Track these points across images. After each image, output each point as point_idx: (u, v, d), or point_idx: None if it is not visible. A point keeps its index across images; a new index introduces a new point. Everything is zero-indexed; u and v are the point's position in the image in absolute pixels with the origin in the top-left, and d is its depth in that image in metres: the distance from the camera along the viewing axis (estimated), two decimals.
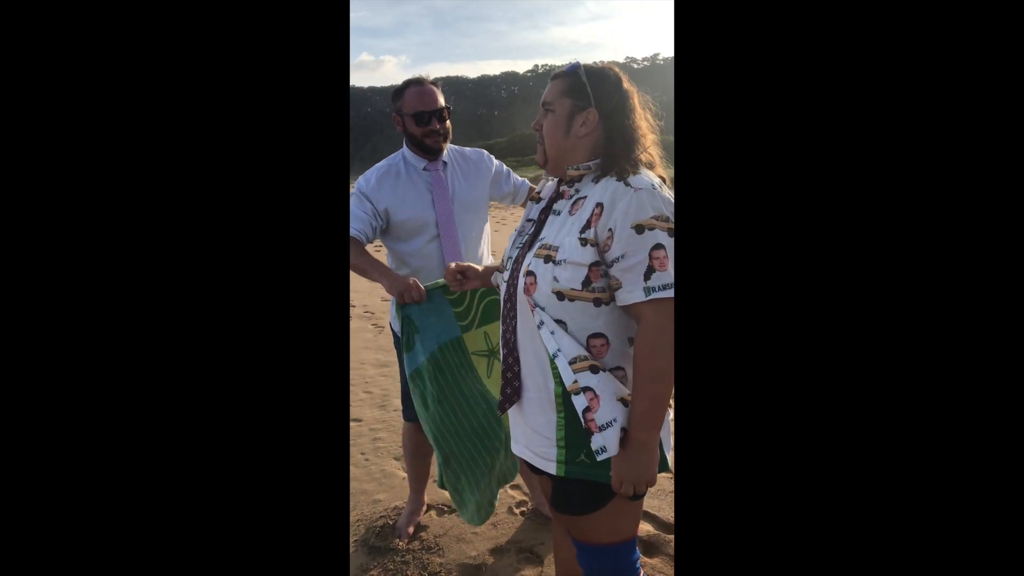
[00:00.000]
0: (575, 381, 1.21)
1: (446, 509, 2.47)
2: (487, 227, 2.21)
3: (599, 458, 1.20)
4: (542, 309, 1.25)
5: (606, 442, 1.20)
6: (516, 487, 2.61)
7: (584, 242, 1.21)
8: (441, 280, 1.88)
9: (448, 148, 2.11)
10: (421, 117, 2.00)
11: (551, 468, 1.30)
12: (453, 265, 1.57)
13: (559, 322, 1.24)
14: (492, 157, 2.26)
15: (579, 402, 1.21)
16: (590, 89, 1.29)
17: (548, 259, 1.25)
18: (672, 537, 2.19)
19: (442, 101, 2.04)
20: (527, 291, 1.26)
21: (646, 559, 2.07)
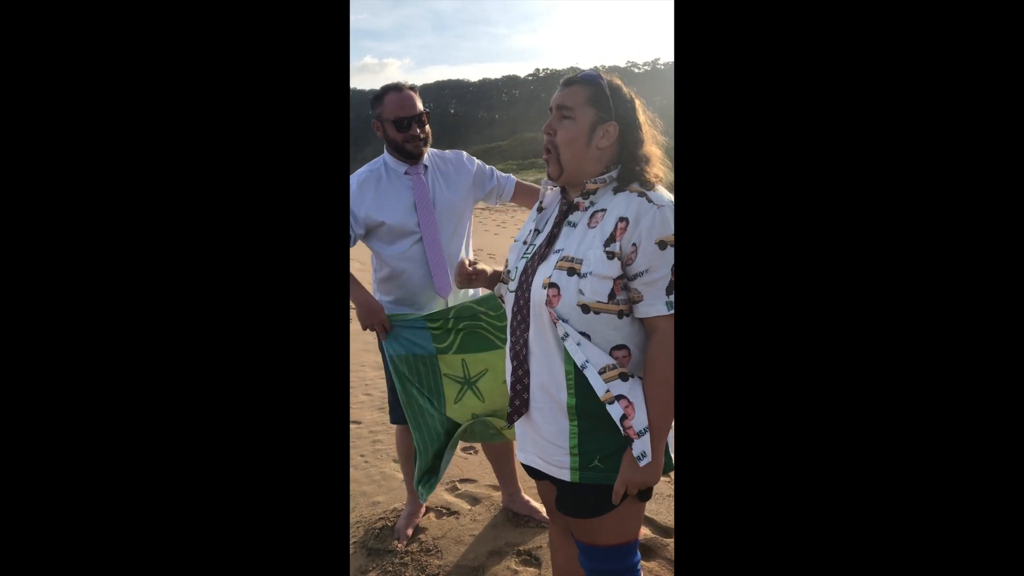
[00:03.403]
0: (607, 391, 1.23)
1: (445, 512, 2.48)
2: (469, 229, 2.22)
3: (641, 463, 1.22)
4: (565, 321, 1.25)
5: (645, 448, 1.22)
6: None
7: (611, 255, 1.22)
8: (419, 313, 2.02)
9: (428, 152, 2.13)
10: (401, 123, 2.02)
11: (565, 475, 1.31)
12: (467, 262, 1.52)
13: (583, 334, 1.25)
14: (472, 158, 2.27)
15: (615, 411, 1.22)
16: (612, 102, 1.29)
17: (572, 272, 1.25)
18: (669, 541, 2.20)
19: (421, 106, 2.06)
20: (549, 303, 1.26)
21: (644, 562, 2.07)
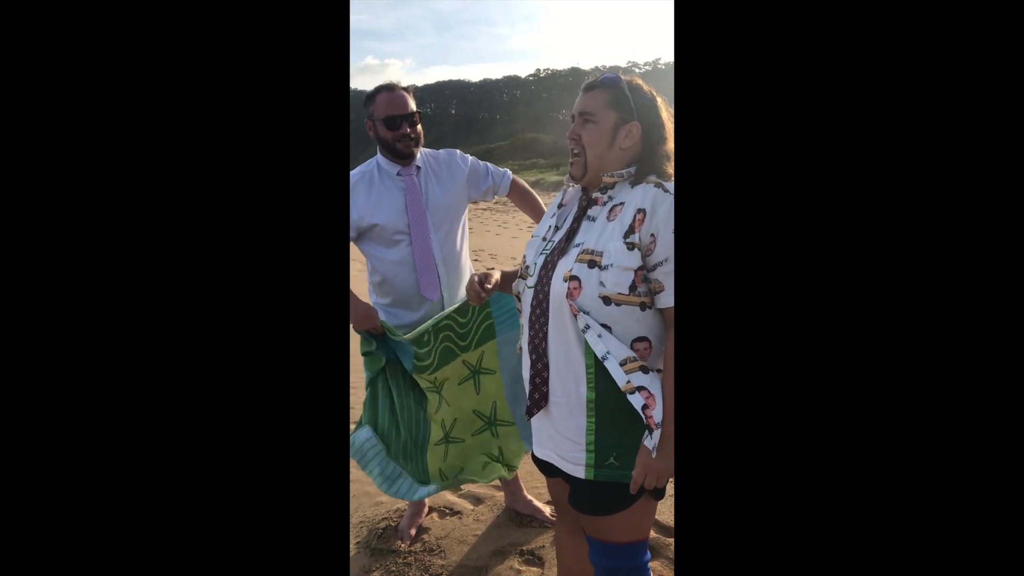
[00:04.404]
0: (628, 381, 1.23)
1: (447, 512, 2.48)
2: (465, 230, 2.21)
3: (655, 456, 1.23)
4: (586, 313, 1.25)
5: (658, 442, 1.23)
6: None
7: (631, 246, 1.23)
8: (410, 334, 2.00)
9: (421, 152, 2.12)
10: (391, 121, 2.01)
11: (580, 472, 1.32)
12: (476, 278, 1.48)
13: (604, 327, 1.25)
14: (466, 156, 2.24)
15: (636, 401, 1.23)
16: (633, 102, 1.30)
17: (593, 264, 1.26)
18: (671, 540, 2.20)
19: (413, 106, 2.05)
20: (570, 295, 1.27)
21: None
